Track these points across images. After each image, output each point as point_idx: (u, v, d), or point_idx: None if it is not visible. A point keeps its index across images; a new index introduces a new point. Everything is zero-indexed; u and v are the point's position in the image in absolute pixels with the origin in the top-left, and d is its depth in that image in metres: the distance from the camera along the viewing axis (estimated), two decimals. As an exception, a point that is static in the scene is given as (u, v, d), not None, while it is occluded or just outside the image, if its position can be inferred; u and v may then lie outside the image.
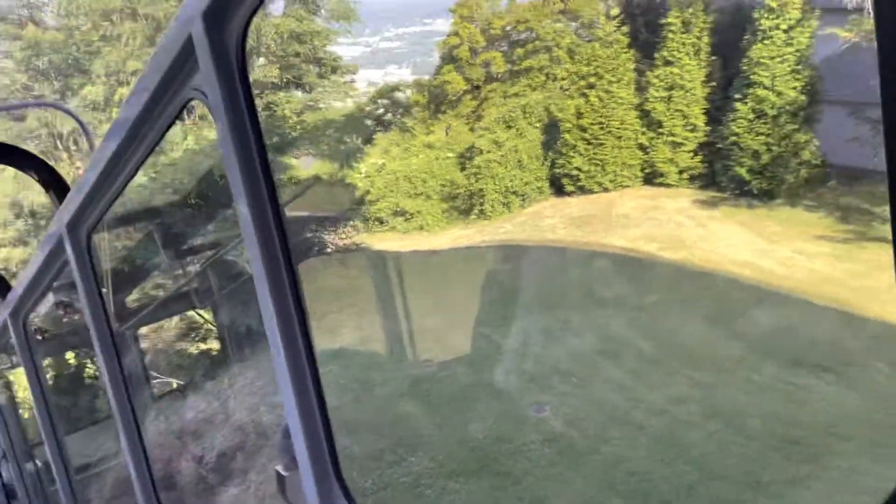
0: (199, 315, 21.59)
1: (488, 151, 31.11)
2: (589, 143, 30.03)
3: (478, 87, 36.02)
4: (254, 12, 2.20)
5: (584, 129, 30.01)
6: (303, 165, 31.46)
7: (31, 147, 27.15)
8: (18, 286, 5.13)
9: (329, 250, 28.24)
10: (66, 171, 26.00)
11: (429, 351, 19.70)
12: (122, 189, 3.46)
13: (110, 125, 3.18)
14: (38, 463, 7.54)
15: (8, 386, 8.42)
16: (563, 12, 35.32)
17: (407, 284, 23.77)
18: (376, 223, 31.18)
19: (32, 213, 23.42)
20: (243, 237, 2.41)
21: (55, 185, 3.93)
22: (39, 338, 5.13)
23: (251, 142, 2.34)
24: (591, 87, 29.88)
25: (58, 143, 28.08)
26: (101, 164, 3.25)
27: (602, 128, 29.62)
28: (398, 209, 31.32)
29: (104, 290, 4.00)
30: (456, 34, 35.65)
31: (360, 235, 29.56)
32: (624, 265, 23.98)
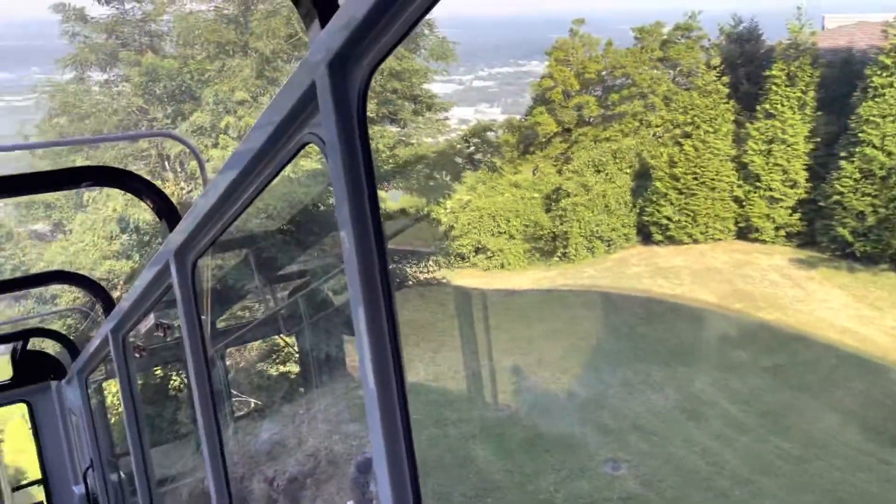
0: (283, 340, 22.07)
1: (575, 194, 30.81)
2: (681, 193, 29.27)
3: (568, 130, 35.90)
4: (378, 63, 2.21)
5: (676, 178, 29.29)
6: (390, 198, 32.06)
7: (140, 166, 28.86)
8: (123, 303, 5.34)
9: (410, 283, 28.47)
10: (171, 190, 27.41)
11: (504, 393, 19.39)
12: (232, 222, 3.55)
13: (228, 157, 3.26)
14: (122, 474, 7.78)
15: (101, 397, 8.74)
16: (661, 60, 34.93)
17: (485, 323, 23.63)
18: (458, 259, 31.27)
19: (136, 229, 24.76)
20: (346, 271, 2.41)
21: (167, 212, 4.07)
22: (137, 355, 5.31)
23: (363, 187, 2.34)
24: (686, 135, 29.22)
25: (165, 164, 29.76)
26: (214, 195, 3.34)
27: (696, 178, 28.84)
28: (480, 246, 31.33)
29: (203, 316, 4.10)
30: (550, 76, 35.76)
31: (442, 270, 29.70)
32: (712, 321, 23.04)
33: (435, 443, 16.47)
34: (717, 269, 26.85)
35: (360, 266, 2.36)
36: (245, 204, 3.30)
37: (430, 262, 29.65)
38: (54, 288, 23.69)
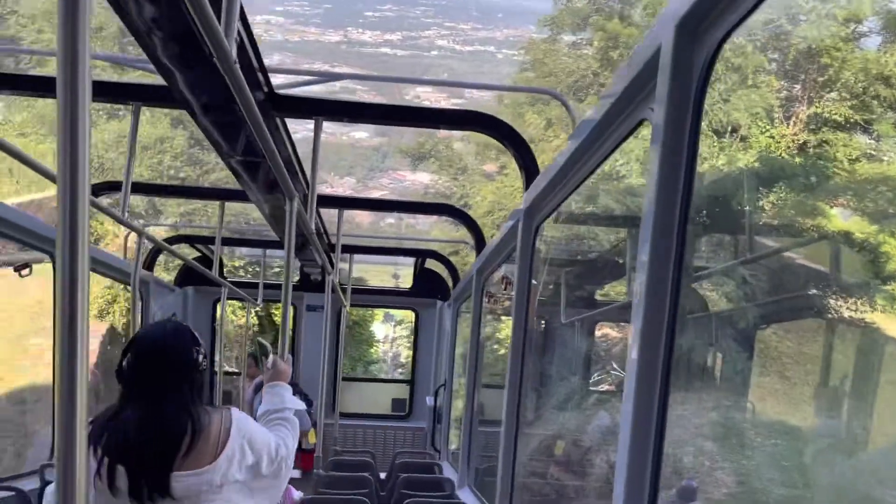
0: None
1: None
2: None
3: None
4: (735, 27, 1.70)
5: None
6: (840, 216, 27.98)
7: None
8: (487, 249, 5.62)
9: (830, 316, 24.74)
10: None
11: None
12: (572, 191, 3.33)
13: (576, 127, 3.03)
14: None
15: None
16: None
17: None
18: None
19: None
20: (636, 268, 2.02)
21: (527, 167, 4.04)
22: (486, 299, 5.55)
23: (679, 176, 1.88)
24: None
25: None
26: (559, 162, 3.15)
27: None
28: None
29: (533, 281, 4.02)
30: None
31: (874, 314, 25.01)
32: None
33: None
34: None
35: (652, 266, 1.94)
36: (584, 176, 3.03)
37: (862, 300, 25.25)
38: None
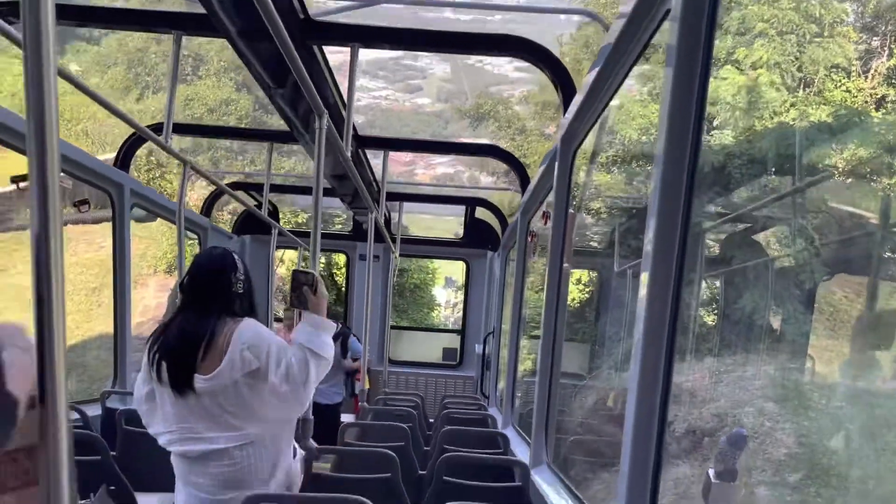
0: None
1: None
2: None
3: None
4: None
5: None
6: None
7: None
8: (529, 187, 5.55)
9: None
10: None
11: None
12: (600, 114, 3.25)
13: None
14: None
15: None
16: None
17: None
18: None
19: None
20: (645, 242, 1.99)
21: (562, 85, 3.94)
22: (529, 239, 5.50)
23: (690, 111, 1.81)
24: None
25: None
26: (592, 76, 3.06)
27: None
28: None
29: (570, 210, 3.96)
30: None
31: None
32: None
33: None
34: None
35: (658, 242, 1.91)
36: (616, 86, 2.96)
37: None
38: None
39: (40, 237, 0.87)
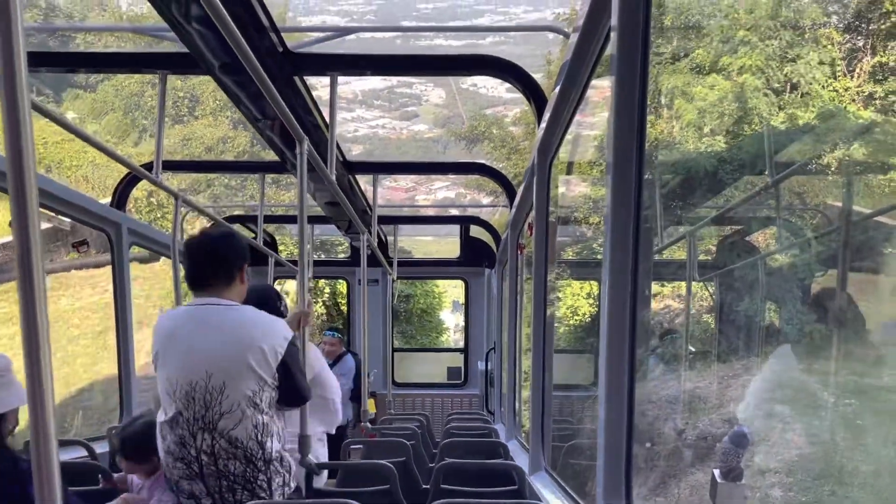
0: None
1: None
2: None
3: None
4: None
5: None
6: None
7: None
8: (515, 202, 5.67)
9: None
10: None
11: None
12: (568, 124, 3.37)
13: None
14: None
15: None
16: None
17: None
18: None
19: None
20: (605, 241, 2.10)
21: (535, 99, 4.07)
22: (518, 253, 5.61)
23: (635, 103, 1.93)
24: None
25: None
26: (559, 89, 3.19)
27: None
28: None
29: (551, 220, 4.06)
30: None
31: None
32: None
33: None
34: None
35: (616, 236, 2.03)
36: (575, 106, 3.10)
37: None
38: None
39: (23, 255, 0.97)
